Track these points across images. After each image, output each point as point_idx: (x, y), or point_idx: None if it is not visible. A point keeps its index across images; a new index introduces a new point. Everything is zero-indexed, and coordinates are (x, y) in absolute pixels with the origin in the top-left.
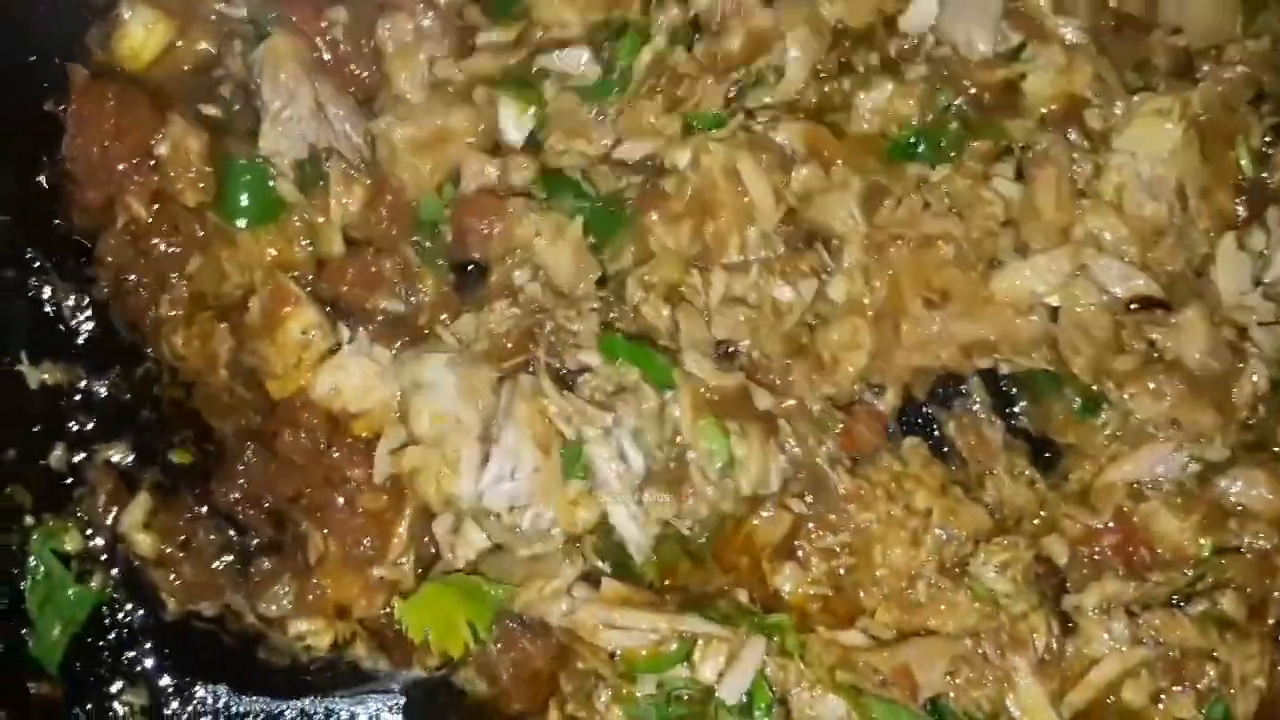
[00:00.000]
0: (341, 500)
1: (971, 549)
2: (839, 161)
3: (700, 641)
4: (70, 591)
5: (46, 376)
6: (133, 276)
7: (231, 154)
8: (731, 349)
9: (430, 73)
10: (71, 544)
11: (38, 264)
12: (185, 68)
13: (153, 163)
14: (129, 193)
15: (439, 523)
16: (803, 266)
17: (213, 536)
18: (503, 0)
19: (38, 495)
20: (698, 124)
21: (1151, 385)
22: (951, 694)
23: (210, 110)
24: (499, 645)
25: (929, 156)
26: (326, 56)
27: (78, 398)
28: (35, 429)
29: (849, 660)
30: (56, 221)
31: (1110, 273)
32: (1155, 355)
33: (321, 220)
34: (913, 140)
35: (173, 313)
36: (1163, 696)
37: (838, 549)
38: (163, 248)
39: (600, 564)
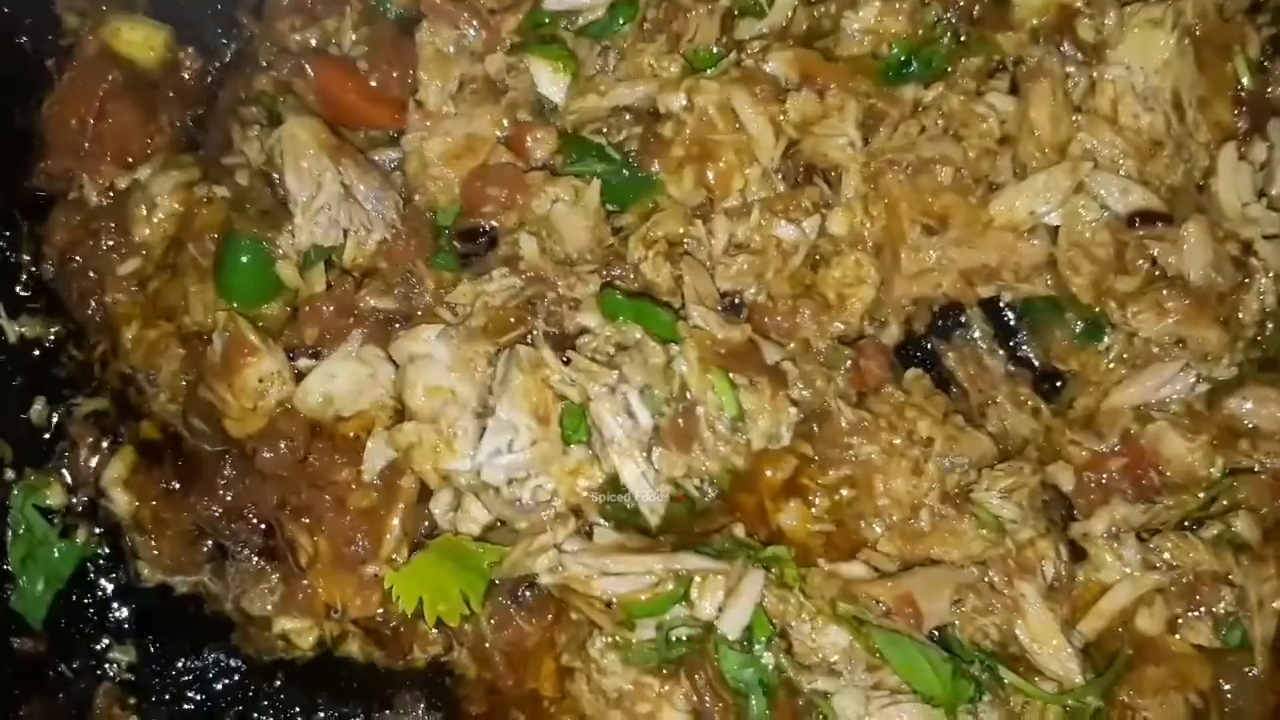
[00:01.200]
0: (330, 501)
1: (975, 477)
2: (833, 86)
3: (697, 578)
4: (54, 547)
5: (24, 330)
6: (78, 259)
7: (237, 232)
8: (737, 300)
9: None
10: (54, 498)
11: (11, 217)
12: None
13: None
14: (88, 173)
15: (437, 500)
16: (804, 203)
17: (191, 522)
18: None
19: (18, 449)
20: (698, 64)
21: (1155, 303)
22: (957, 623)
23: (221, 191)
24: (493, 623)
25: (922, 75)
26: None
27: (57, 351)
28: (14, 382)
29: (850, 592)
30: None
31: (1109, 187)
32: (1158, 273)
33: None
34: (904, 59)
35: (119, 309)
36: (1179, 622)
37: (840, 483)
38: (108, 242)
39: (603, 523)
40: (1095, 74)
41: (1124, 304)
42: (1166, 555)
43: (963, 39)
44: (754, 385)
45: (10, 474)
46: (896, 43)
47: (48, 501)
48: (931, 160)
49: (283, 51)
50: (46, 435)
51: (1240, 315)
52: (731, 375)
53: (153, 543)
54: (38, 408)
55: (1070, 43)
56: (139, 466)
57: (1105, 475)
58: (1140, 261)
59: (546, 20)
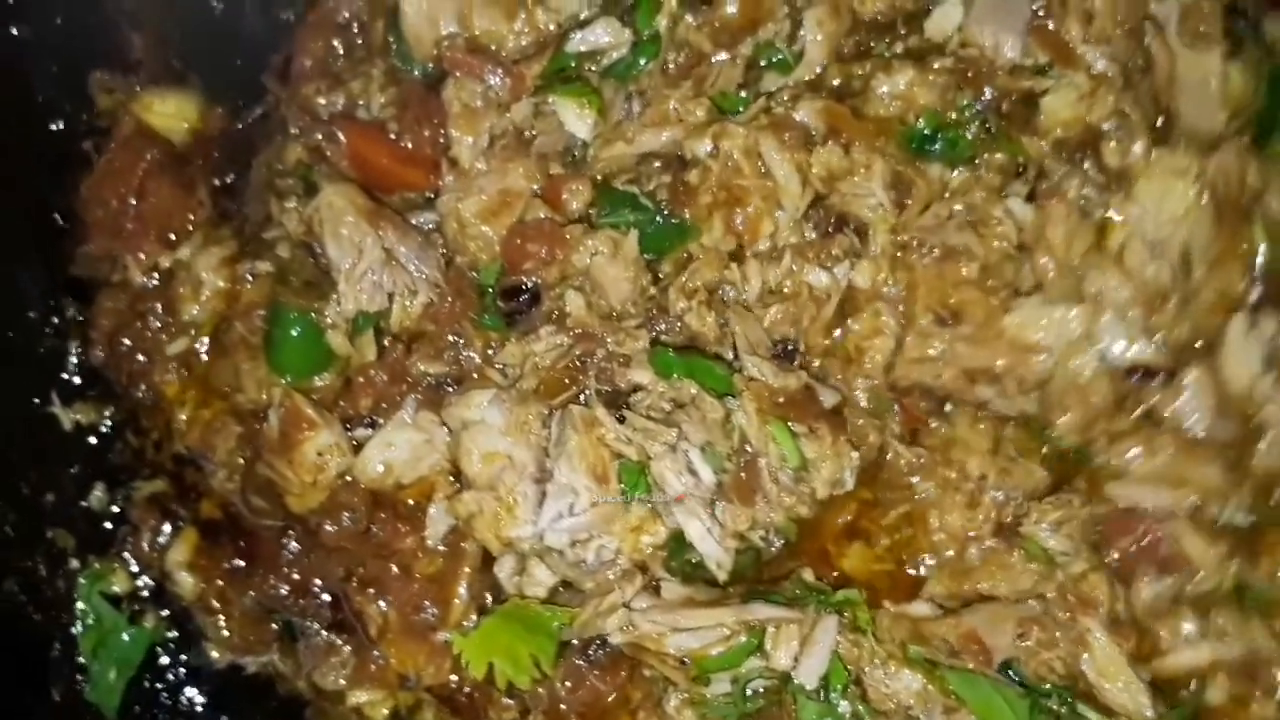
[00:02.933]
0: (396, 569)
1: (1027, 509)
2: (858, 143)
3: (770, 628)
4: (123, 634)
5: (79, 416)
6: (127, 341)
7: (284, 306)
8: (790, 346)
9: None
10: (120, 585)
11: (58, 303)
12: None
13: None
14: (131, 253)
15: (500, 565)
16: (834, 251)
17: (257, 601)
18: None
19: (81, 538)
20: (725, 106)
21: (1147, 441)
22: (1022, 658)
23: (265, 266)
24: (567, 685)
25: (945, 155)
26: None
27: (112, 436)
28: (72, 469)
29: (919, 633)
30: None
31: (1114, 334)
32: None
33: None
34: (929, 133)
35: (170, 391)
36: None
37: (900, 523)
38: (156, 323)
39: (670, 578)
40: (1109, 212)
41: (1114, 441)
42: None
43: (990, 130)
44: (814, 432)
45: (74, 563)
46: (924, 114)
47: (113, 588)
48: (957, 250)
49: (311, 117)
50: (108, 522)
51: (1250, 462)
52: (791, 424)
53: (221, 623)
54: (97, 494)
55: (1094, 163)
56: (202, 547)
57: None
58: (1137, 409)
59: (571, 63)
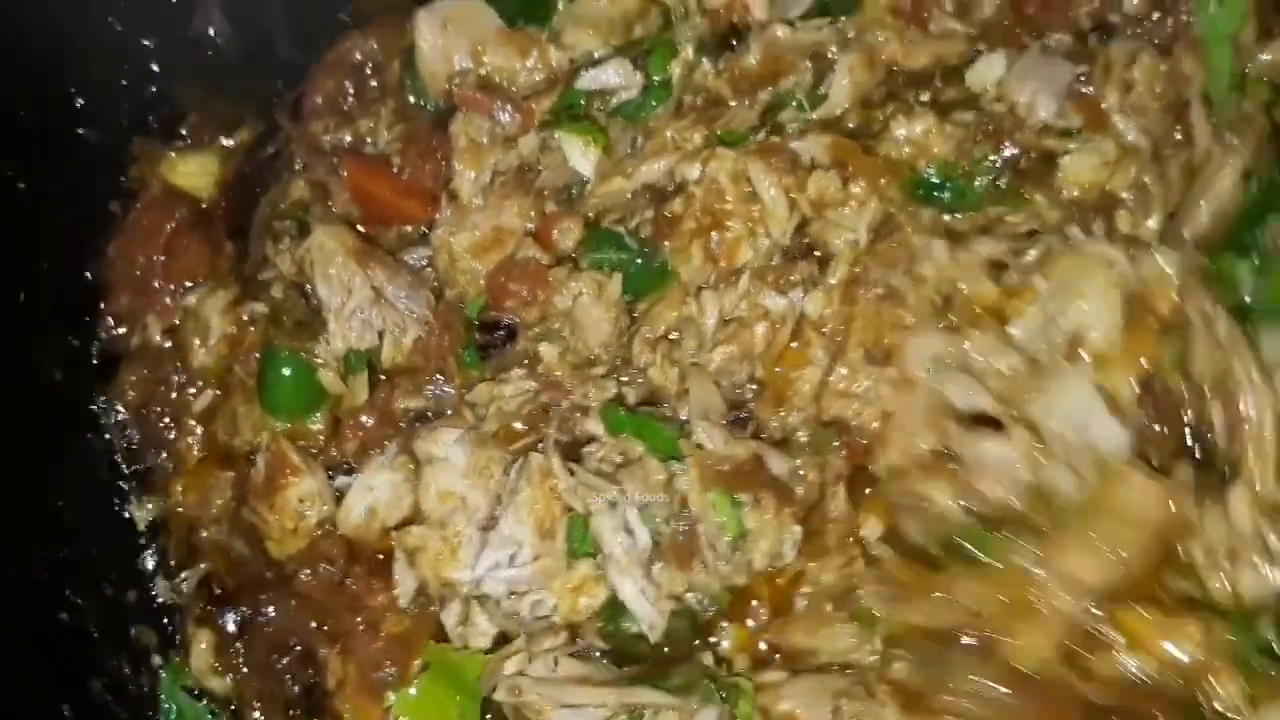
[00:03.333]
0: (363, 625)
1: None
2: (861, 180)
3: (648, 714)
4: None
5: (152, 511)
6: (155, 408)
7: (276, 347)
8: (743, 414)
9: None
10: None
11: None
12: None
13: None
14: (153, 311)
15: (447, 613)
16: (793, 277)
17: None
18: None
19: (162, 633)
20: (727, 139)
21: None
22: None
23: (260, 308)
24: None
25: (951, 204)
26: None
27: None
28: (150, 565)
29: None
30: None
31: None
32: None
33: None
34: (938, 180)
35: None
36: None
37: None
38: (178, 381)
39: (602, 645)
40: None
41: None
42: None
43: (1001, 185)
44: (758, 503)
45: (157, 659)
46: (935, 164)
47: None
48: (898, 291)
49: (316, 152)
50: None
51: None
52: (736, 494)
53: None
54: (163, 584)
55: (1105, 227)
56: (220, 645)
57: None
58: None
59: (580, 100)
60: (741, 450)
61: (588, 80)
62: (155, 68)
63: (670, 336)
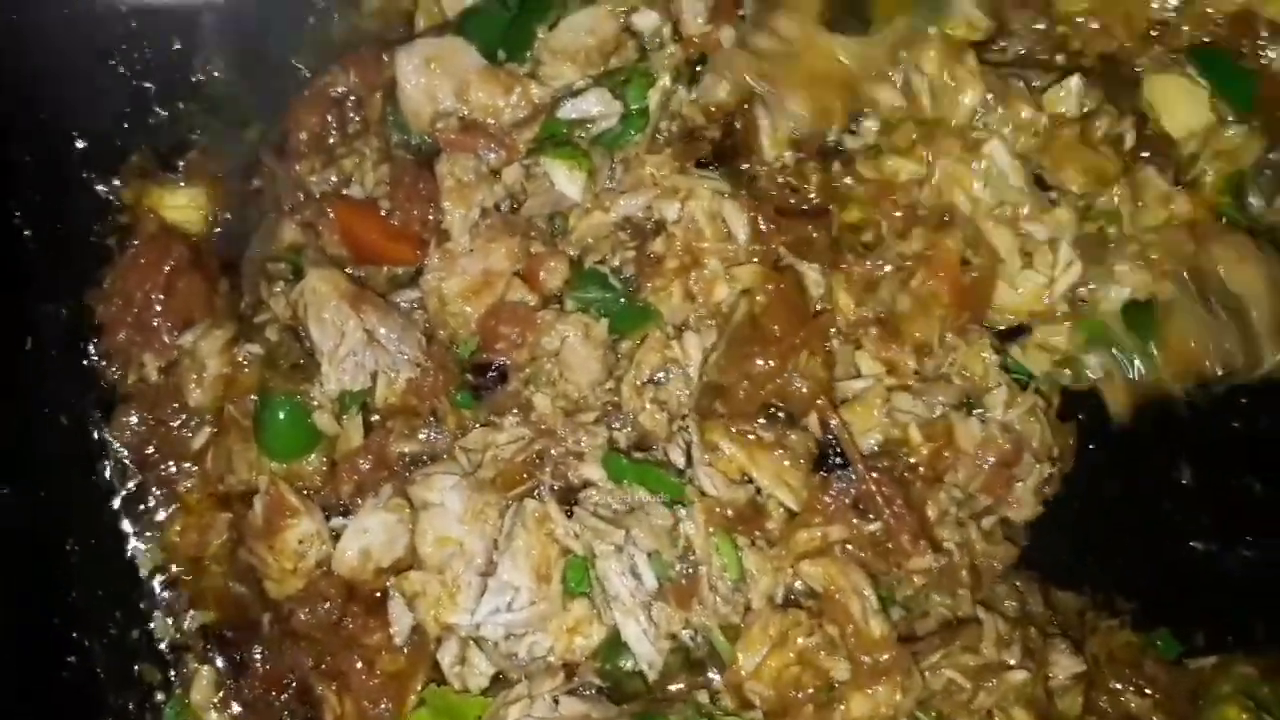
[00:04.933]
0: (360, 663)
1: None
2: None
3: None
4: None
5: (154, 553)
6: (154, 449)
7: (272, 389)
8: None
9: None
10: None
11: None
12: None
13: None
14: (150, 350)
15: (444, 652)
16: None
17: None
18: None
19: (166, 671)
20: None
21: None
22: None
23: (255, 349)
24: None
25: None
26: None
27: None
28: (156, 605)
29: None
30: None
31: None
32: None
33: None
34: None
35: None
36: None
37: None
38: (177, 422)
39: (599, 682)
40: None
41: None
42: None
43: None
44: (755, 545)
45: (160, 696)
46: None
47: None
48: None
49: (304, 195)
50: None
51: None
52: (735, 536)
53: None
54: (165, 623)
55: None
56: (221, 680)
57: None
58: None
59: (563, 130)
60: (742, 495)
61: (569, 109)
62: (158, 109)
63: (656, 379)
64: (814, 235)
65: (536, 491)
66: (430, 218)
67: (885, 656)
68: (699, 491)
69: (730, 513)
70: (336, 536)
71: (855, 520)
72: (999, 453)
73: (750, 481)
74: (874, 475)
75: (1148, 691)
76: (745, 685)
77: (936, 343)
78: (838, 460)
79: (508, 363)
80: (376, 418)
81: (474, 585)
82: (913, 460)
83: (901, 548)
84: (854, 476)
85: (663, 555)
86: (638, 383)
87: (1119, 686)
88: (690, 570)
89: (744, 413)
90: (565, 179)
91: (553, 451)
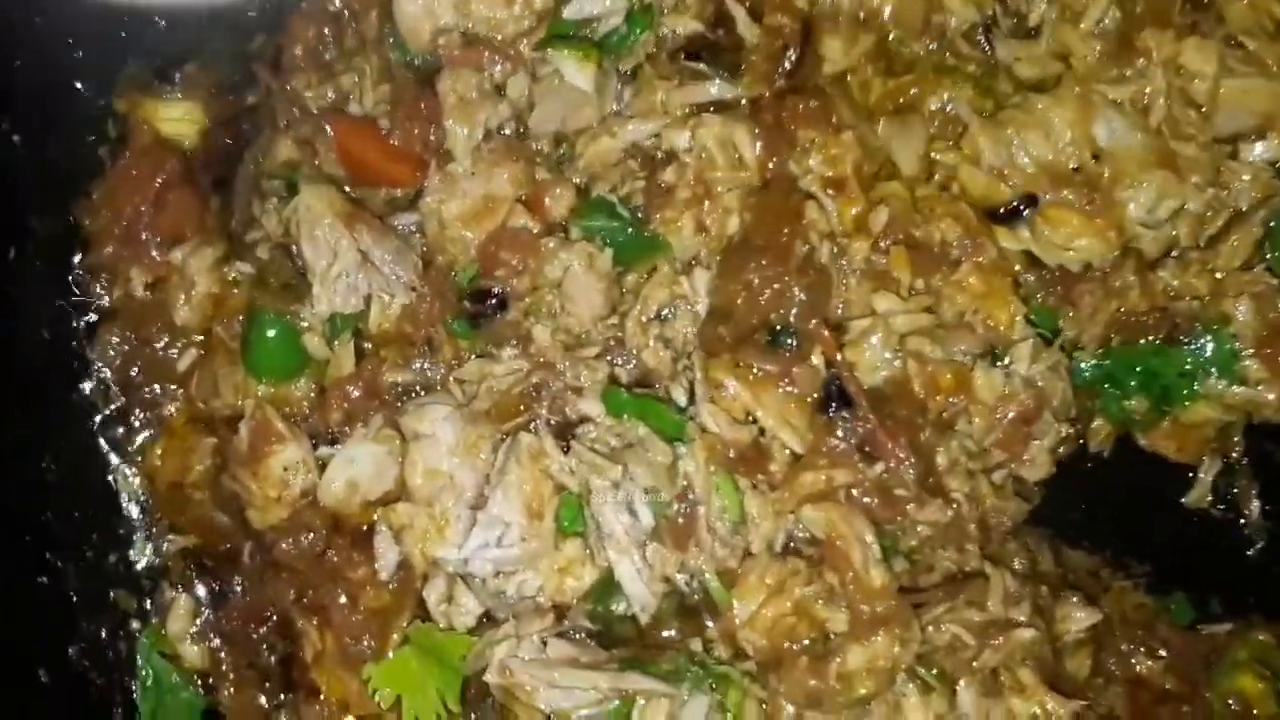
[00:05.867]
0: (344, 598)
1: None
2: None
3: (640, 700)
4: (182, 694)
5: (136, 476)
6: (138, 368)
7: (261, 308)
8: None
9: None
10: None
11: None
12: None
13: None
14: (138, 264)
15: (430, 589)
16: None
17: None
18: None
19: (142, 598)
20: None
21: None
22: None
23: (245, 268)
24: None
25: None
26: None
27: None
28: (134, 530)
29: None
30: None
31: None
32: None
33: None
34: None
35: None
36: None
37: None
38: (162, 341)
39: (589, 626)
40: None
41: None
42: None
43: None
44: (757, 489)
45: (136, 624)
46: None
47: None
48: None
49: (301, 111)
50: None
51: None
52: (737, 478)
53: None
54: (144, 549)
55: None
56: (198, 610)
57: None
58: None
59: (569, 31)
60: (745, 434)
61: (574, 9)
62: (157, 19)
63: (663, 315)
64: (811, 105)
65: (532, 425)
66: (432, 138)
67: (884, 606)
68: (700, 429)
69: (732, 453)
70: (323, 466)
71: (861, 464)
72: (1020, 408)
73: (754, 422)
74: (878, 416)
75: (1161, 654)
76: (739, 634)
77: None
78: (841, 400)
79: (508, 290)
80: (370, 346)
81: (463, 519)
82: (924, 401)
83: (906, 495)
84: (859, 415)
85: (660, 493)
86: (643, 319)
87: (1129, 648)
88: (688, 510)
89: (747, 334)
90: (575, 70)
91: (551, 385)
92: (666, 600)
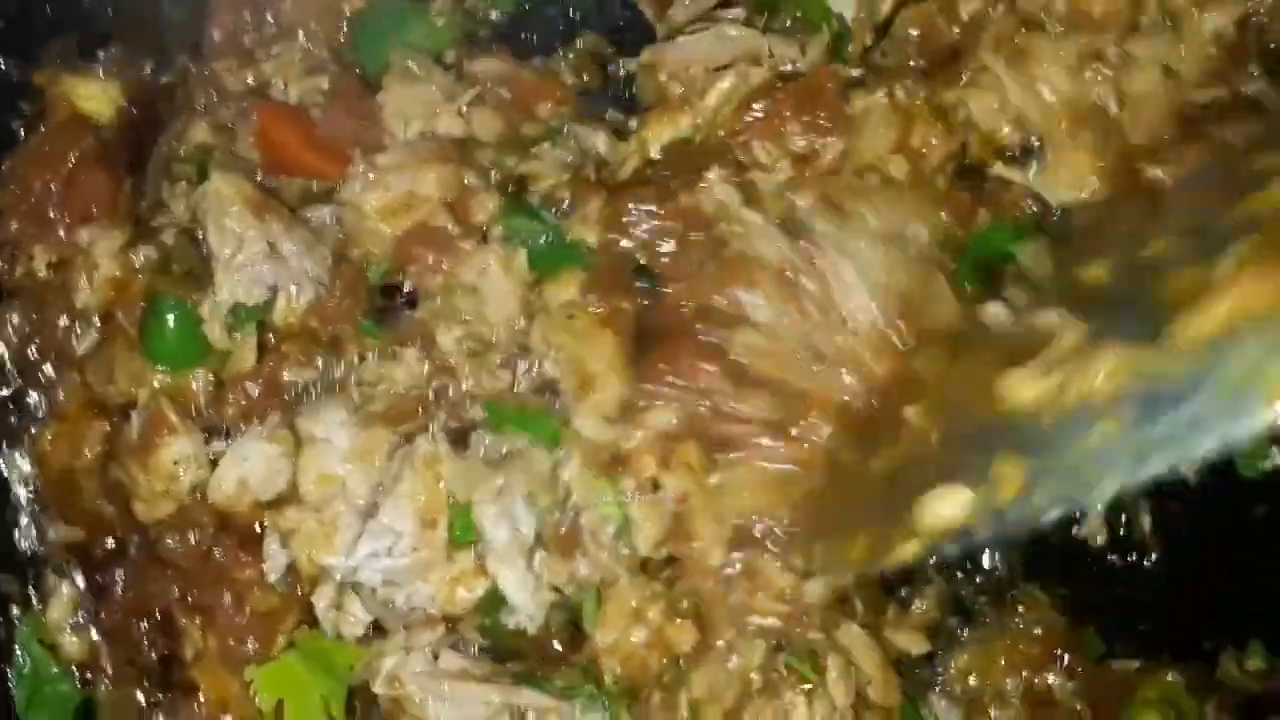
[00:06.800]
0: (229, 599)
1: None
2: None
3: (531, 716)
4: (60, 686)
5: (24, 460)
6: (36, 346)
7: (162, 294)
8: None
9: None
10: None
11: None
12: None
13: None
14: (43, 242)
15: (319, 595)
16: None
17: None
18: None
19: (23, 583)
20: None
21: None
22: None
23: (150, 253)
24: None
25: None
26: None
27: None
28: (21, 515)
29: None
30: None
31: None
32: None
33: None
34: None
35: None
36: None
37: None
38: (63, 323)
39: (480, 640)
40: None
41: None
42: None
43: None
44: (640, 494)
45: (15, 610)
46: None
47: (57, 638)
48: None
49: (221, 94)
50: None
51: None
52: (618, 481)
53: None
54: (28, 533)
55: None
56: (80, 601)
57: None
58: None
59: None
60: (619, 435)
61: None
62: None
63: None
64: None
65: (430, 430)
66: (363, 135)
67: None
68: (577, 434)
69: (609, 458)
70: (215, 462)
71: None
72: None
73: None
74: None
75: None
76: (602, 662)
77: None
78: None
79: (417, 290)
80: (274, 339)
81: (353, 527)
82: None
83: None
84: None
85: (540, 499)
86: (548, 334)
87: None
88: (572, 518)
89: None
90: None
91: (450, 391)
92: (557, 611)
